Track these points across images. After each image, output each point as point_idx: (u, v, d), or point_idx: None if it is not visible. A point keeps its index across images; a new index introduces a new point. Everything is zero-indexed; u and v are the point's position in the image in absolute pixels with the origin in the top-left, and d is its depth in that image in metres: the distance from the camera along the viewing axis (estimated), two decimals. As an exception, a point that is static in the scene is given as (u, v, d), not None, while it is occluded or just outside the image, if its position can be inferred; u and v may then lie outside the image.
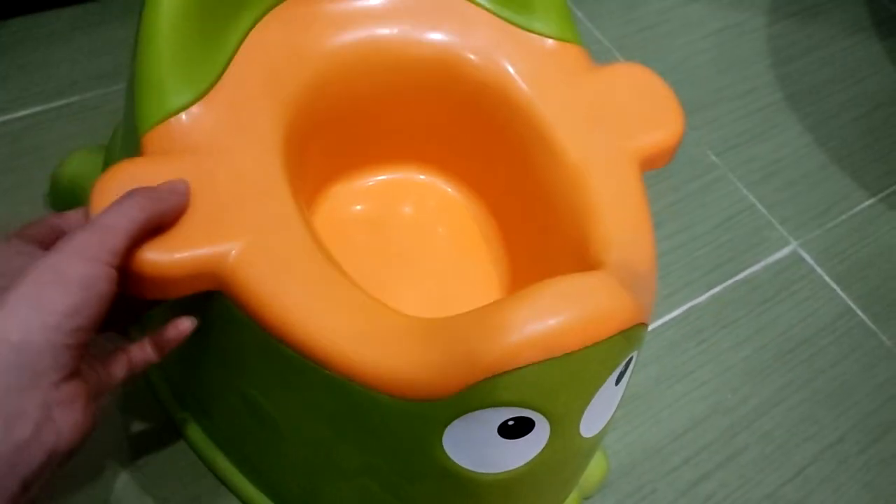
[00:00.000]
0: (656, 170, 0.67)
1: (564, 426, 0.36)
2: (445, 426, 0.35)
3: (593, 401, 0.37)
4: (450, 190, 0.51)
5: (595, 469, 0.51)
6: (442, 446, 0.36)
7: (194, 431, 0.48)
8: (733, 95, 0.75)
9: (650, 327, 0.60)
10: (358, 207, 0.49)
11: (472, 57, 0.45)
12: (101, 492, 0.46)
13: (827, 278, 0.65)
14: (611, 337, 0.35)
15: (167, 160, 0.37)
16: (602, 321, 0.34)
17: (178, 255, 0.35)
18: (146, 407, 0.49)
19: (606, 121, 0.44)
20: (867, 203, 0.70)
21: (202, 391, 0.45)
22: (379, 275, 0.45)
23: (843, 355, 0.62)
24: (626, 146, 0.44)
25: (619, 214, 0.41)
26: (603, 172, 0.43)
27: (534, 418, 0.35)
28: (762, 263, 0.65)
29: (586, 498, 0.51)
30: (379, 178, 0.50)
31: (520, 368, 0.33)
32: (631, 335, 0.36)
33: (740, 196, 0.68)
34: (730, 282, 0.64)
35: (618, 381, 0.38)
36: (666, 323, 0.61)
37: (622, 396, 0.40)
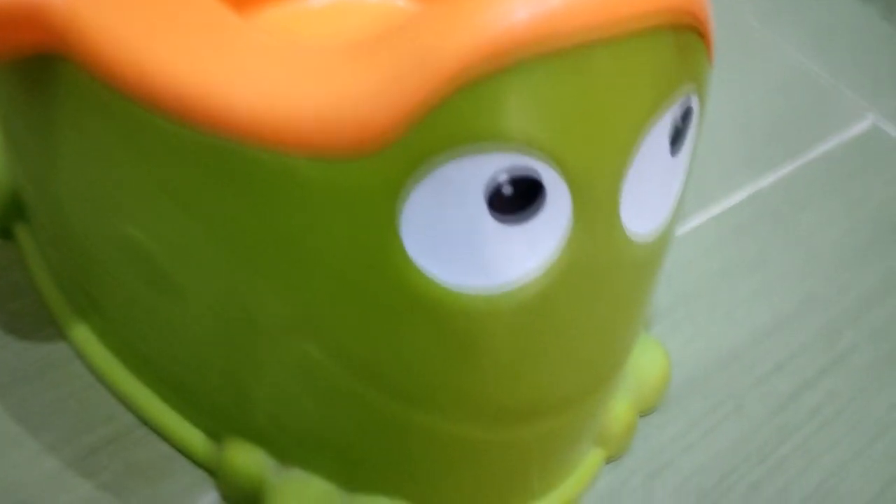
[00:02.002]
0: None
1: (595, 196, 0.22)
2: (400, 202, 0.22)
3: (638, 165, 0.23)
4: (413, 6, 0.38)
5: (652, 369, 0.36)
6: (400, 243, 0.22)
7: (91, 346, 0.35)
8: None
9: (707, 215, 0.47)
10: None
11: None
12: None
13: (922, 149, 0.52)
14: (648, 30, 0.21)
15: None
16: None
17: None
18: (33, 327, 0.36)
19: None
20: (955, 67, 0.57)
21: (85, 270, 0.32)
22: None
23: (962, 233, 0.47)
24: None
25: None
26: None
27: (541, 175, 0.22)
28: (836, 137, 0.51)
29: (645, 413, 0.37)
30: (318, 2, 0.38)
31: (504, 71, 0.20)
32: (682, 43, 0.23)
33: (796, 63, 0.55)
34: (799, 157, 0.50)
35: (674, 146, 0.25)
36: (728, 210, 0.47)
37: (683, 185, 0.27)
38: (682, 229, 0.45)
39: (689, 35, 0.23)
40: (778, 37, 0.57)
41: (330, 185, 0.22)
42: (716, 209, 0.47)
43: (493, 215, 0.22)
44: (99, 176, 0.27)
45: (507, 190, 0.22)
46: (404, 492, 0.31)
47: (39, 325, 0.37)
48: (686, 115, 0.24)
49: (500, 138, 0.20)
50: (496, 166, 0.21)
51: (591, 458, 0.35)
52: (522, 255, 0.23)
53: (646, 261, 0.26)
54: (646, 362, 0.37)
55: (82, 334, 0.36)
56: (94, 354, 0.35)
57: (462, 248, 0.22)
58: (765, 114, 0.52)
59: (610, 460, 0.36)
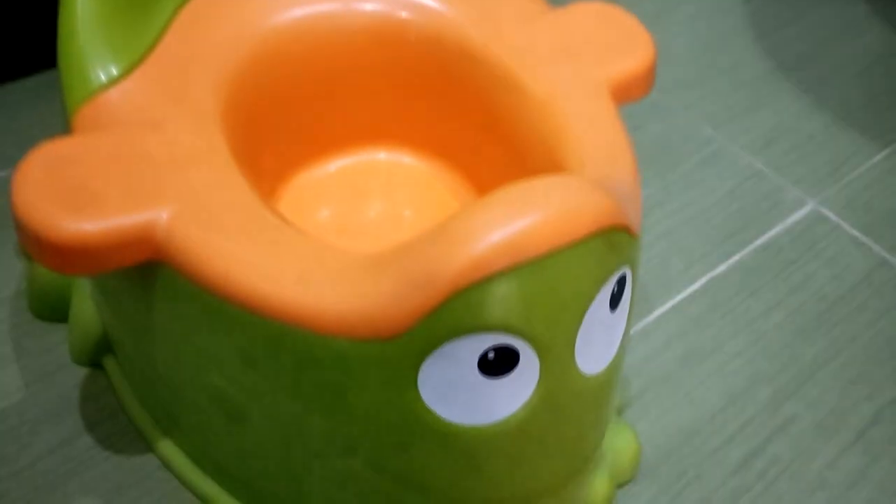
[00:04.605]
0: (650, 151, 0.64)
1: (555, 356, 0.32)
2: (417, 369, 0.31)
3: (586, 326, 0.32)
4: (416, 163, 0.47)
5: (625, 448, 0.45)
6: (419, 397, 0.31)
7: (175, 456, 0.44)
8: (719, 72, 0.71)
9: (669, 304, 0.55)
10: (321, 198, 0.46)
11: (415, 16, 0.43)
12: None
13: (855, 232, 0.60)
14: (587, 240, 0.31)
15: (94, 134, 0.35)
16: (573, 218, 0.30)
17: (106, 222, 0.32)
18: (126, 443, 0.45)
19: (571, 54, 0.41)
20: (881, 154, 0.66)
21: (169, 400, 0.41)
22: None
23: (886, 308, 0.56)
24: (595, 75, 0.41)
25: (592, 134, 0.38)
26: (572, 100, 0.39)
27: (516, 346, 0.31)
28: (780, 226, 0.60)
29: (622, 485, 0.46)
30: (339, 164, 0.47)
31: (486, 281, 0.29)
32: (614, 241, 0.32)
33: (745, 164, 0.64)
34: (749, 248, 0.59)
35: (613, 306, 0.34)
36: (686, 298, 0.56)
37: (625, 331, 0.36)
38: (649, 319, 0.54)
39: (620, 234, 0.32)
40: (728, 142, 0.66)
41: (365, 358, 0.31)
42: (678, 297, 0.56)
43: (482, 374, 0.31)
44: (188, 341, 0.37)
45: (492, 357, 0.31)
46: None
47: (131, 441, 0.46)
48: (621, 283, 0.34)
49: (484, 329, 0.30)
50: (483, 345, 0.30)
51: (579, 526, 0.44)
52: (505, 401, 0.32)
53: (599, 388, 0.35)
54: (620, 443, 0.45)
55: (167, 448, 0.45)
56: (177, 464, 0.44)
57: (464, 399, 0.31)
58: (719, 214, 0.61)
59: (594, 527, 0.45)
